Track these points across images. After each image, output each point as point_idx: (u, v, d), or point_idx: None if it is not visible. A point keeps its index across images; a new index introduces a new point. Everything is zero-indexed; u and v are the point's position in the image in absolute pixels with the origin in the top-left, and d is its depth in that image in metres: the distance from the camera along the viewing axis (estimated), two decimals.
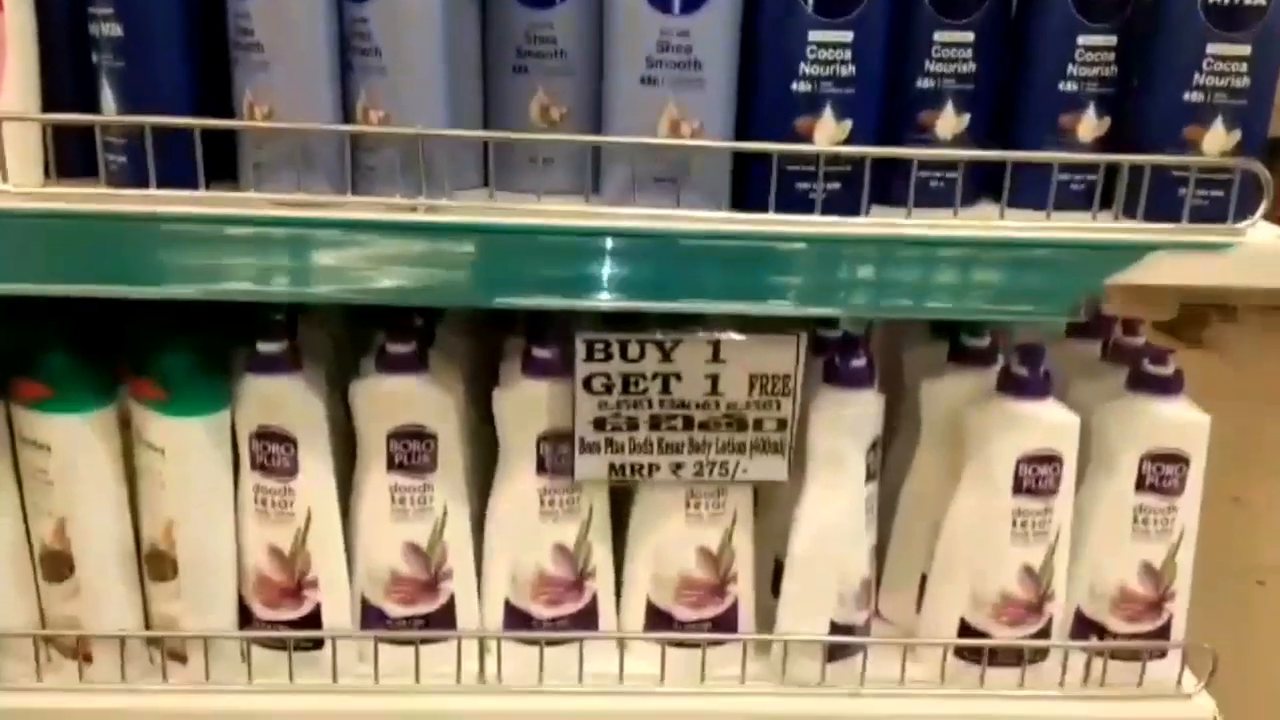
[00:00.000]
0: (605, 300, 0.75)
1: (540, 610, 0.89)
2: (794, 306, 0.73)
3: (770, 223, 0.73)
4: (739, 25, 0.74)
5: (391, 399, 0.84)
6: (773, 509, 0.92)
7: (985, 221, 0.75)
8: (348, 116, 0.75)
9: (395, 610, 0.88)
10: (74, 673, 0.86)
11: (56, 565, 0.83)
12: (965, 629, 0.90)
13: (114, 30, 0.72)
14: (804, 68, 0.73)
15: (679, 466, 0.85)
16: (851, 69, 0.73)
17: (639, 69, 0.74)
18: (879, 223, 0.74)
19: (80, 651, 0.85)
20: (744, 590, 0.90)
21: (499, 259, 0.75)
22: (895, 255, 0.74)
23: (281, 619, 0.86)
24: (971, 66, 0.80)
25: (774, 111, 0.74)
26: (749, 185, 0.76)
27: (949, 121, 0.81)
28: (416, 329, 0.87)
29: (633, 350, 0.82)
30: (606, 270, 0.75)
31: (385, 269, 0.74)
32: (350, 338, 0.97)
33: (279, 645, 0.86)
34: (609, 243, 0.74)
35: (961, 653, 0.90)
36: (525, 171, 0.81)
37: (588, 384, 0.82)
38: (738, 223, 0.73)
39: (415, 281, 0.74)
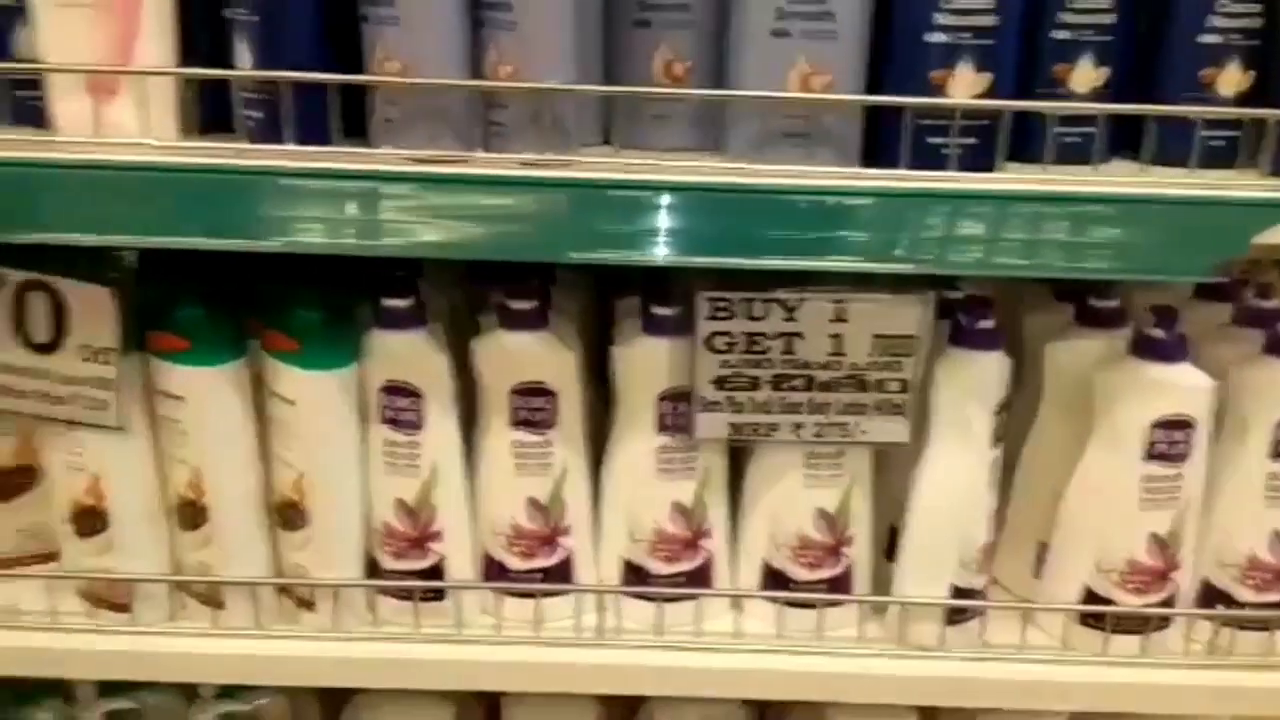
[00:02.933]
0: (729, 258, 0.75)
1: (657, 566, 0.89)
2: (931, 266, 0.71)
3: (906, 179, 0.71)
4: None
5: (514, 356, 0.85)
6: (886, 471, 0.91)
7: (1131, 178, 0.73)
8: (475, 73, 0.76)
9: (515, 563, 0.89)
10: (207, 618, 0.89)
11: (191, 514, 0.86)
12: (1089, 595, 0.89)
13: None
14: (940, 18, 0.71)
15: (799, 427, 0.84)
16: (991, 19, 0.71)
17: (769, 21, 0.73)
18: (1021, 178, 0.72)
19: (213, 598, 0.88)
20: (860, 552, 0.90)
21: (622, 215, 0.74)
22: (1032, 213, 0.72)
23: (406, 569, 0.88)
24: (1110, 18, 0.77)
25: (908, 64, 0.73)
26: (881, 141, 0.75)
27: (1085, 74, 0.78)
28: (537, 286, 0.88)
29: (756, 309, 0.81)
30: (730, 227, 0.74)
31: (508, 224, 0.74)
32: (464, 295, 0.98)
33: (404, 595, 0.89)
34: (735, 199, 0.74)
35: (1084, 619, 0.89)
36: (647, 127, 0.81)
37: (709, 342, 0.82)
38: (873, 179, 0.72)
39: (539, 237, 0.74)
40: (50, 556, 0.94)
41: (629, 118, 0.81)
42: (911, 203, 0.72)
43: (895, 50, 0.73)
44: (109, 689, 1.04)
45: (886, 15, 0.73)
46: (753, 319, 0.82)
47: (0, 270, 0.79)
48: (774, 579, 0.90)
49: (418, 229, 0.74)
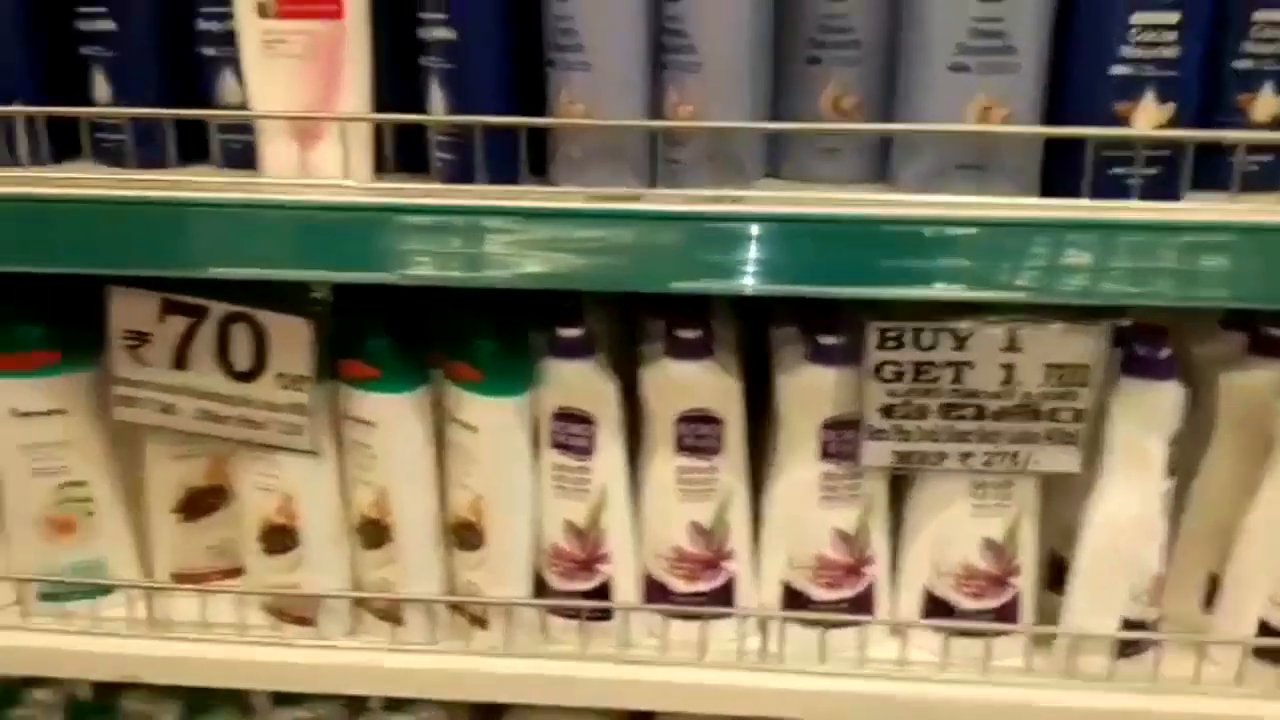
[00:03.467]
0: (902, 289, 0.75)
1: (819, 593, 0.90)
2: (1110, 296, 0.71)
3: (1091, 210, 0.71)
4: (1053, 8, 0.73)
5: (681, 384, 0.87)
6: (1047, 500, 0.90)
7: None
8: (654, 112, 0.78)
9: (679, 586, 0.91)
10: (385, 633, 0.93)
11: (374, 533, 0.90)
12: (1264, 629, 0.87)
13: (446, 34, 0.77)
14: (1125, 50, 0.71)
15: (967, 455, 0.85)
16: (1175, 50, 0.71)
17: (949, 56, 0.74)
18: (1210, 208, 0.71)
19: (392, 614, 0.92)
20: (1026, 582, 0.89)
21: (794, 248, 0.76)
22: (1215, 241, 0.72)
23: (574, 589, 0.91)
24: None
25: (1090, 95, 0.73)
26: (1060, 172, 0.75)
27: (1267, 103, 0.77)
28: (703, 316, 0.90)
29: (926, 338, 0.82)
30: (902, 258, 0.75)
31: (682, 259, 0.77)
32: (619, 325, 1.01)
33: (572, 614, 0.91)
34: (909, 231, 0.75)
35: (1259, 653, 0.87)
36: (814, 160, 0.83)
37: (878, 371, 0.83)
38: (1058, 210, 0.72)
39: (712, 272, 0.76)
40: (235, 572, 0.99)
41: (796, 151, 0.83)
42: (1087, 233, 0.72)
43: (1077, 82, 0.73)
44: (282, 700, 1.09)
45: (1065, 47, 0.74)
46: (922, 348, 0.82)
47: (206, 302, 0.85)
48: (936, 607, 0.90)
49: (591, 261, 0.77)
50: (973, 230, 0.73)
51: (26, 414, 0.89)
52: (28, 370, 0.88)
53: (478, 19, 0.76)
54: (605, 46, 0.75)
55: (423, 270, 0.77)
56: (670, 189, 0.77)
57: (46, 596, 0.95)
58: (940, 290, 0.74)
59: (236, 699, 1.08)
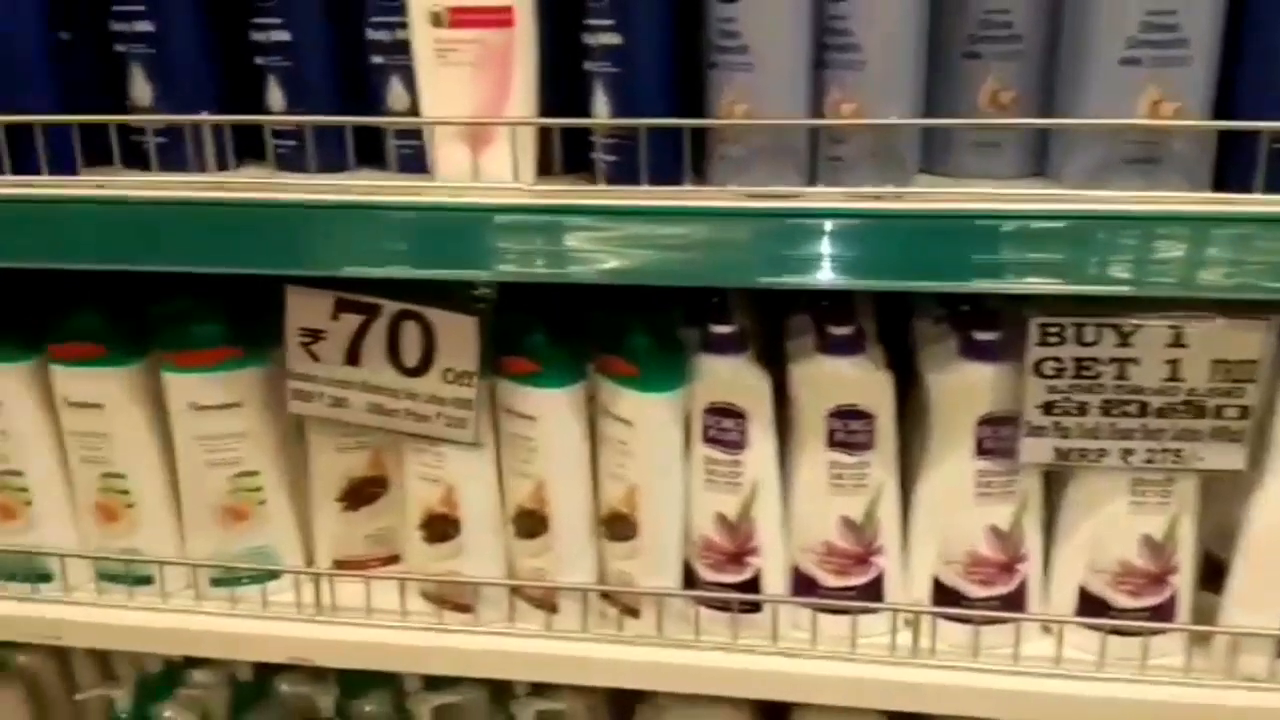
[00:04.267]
0: (1063, 284, 0.75)
1: (972, 589, 0.91)
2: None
3: (1267, 204, 0.71)
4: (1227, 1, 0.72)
5: (833, 379, 0.88)
6: (1205, 498, 0.89)
7: None
8: (815, 110, 0.79)
9: (828, 580, 0.92)
10: (540, 621, 0.96)
11: (531, 523, 0.93)
12: None
13: (613, 39, 0.79)
14: None
15: (1129, 453, 0.84)
16: None
17: (1119, 50, 0.73)
18: None
19: (547, 602, 0.95)
20: (1184, 580, 0.88)
21: (954, 243, 0.76)
22: None
23: (724, 581, 0.93)
24: None
25: (1266, 88, 0.72)
26: (1232, 166, 0.74)
27: None
28: (853, 311, 0.91)
29: (1088, 334, 0.81)
30: (1063, 253, 0.75)
31: (843, 255, 0.78)
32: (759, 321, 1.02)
33: (721, 606, 0.93)
34: (1069, 225, 0.74)
35: None
36: (972, 155, 0.83)
37: (1038, 368, 0.83)
38: (1232, 204, 0.71)
39: (884, 264, 0.77)
40: (392, 559, 1.03)
41: (953, 146, 0.83)
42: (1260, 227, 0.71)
43: (1252, 73, 0.72)
44: (432, 684, 1.13)
45: (1242, 40, 0.73)
46: (1084, 344, 0.82)
47: (378, 301, 0.89)
48: (1091, 605, 0.90)
49: (750, 257, 0.78)
50: (1143, 225, 0.72)
51: (205, 407, 0.94)
52: (208, 366, 0.93)
53: (645, 23, 0.79)
54: (769, 46, 0.77)
55: (591, 267, 0.80)
56: (831, 186, 0.78)
57: (218, 581, 1.00)
58: (1105, 288, 0.74)
59: (390, 681, 1.12)
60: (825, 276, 0.77)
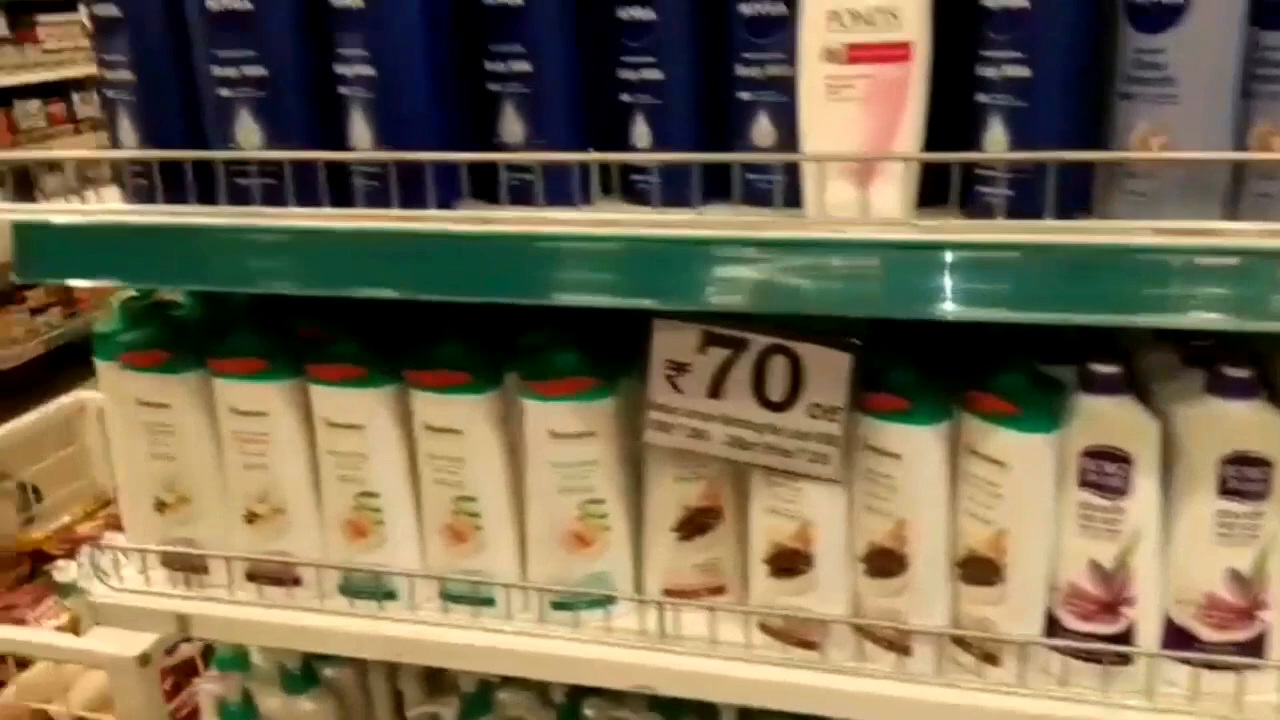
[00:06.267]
0: None
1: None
2: None
3: None
4: None
5: (1228, 424, 0.83)
6: None
7: None
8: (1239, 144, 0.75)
9: (1208, 634, 0.87)
10: (890, 662, 0.94)
11: (887, 562, 0.91)
12: None
13: (1019, 72, 0.77)
14: None
15: None
16: None
17: None
18: None
19: (899, 644, 0.93)
20: None
21: None
22: None
23: (1094, 632, 0.89)
24: None
25: None
26: None
27: None
28: (1250, 354, 0.86)
29: None
30: None
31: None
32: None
33: (1089, 657, 0.89)
34: None
35: None
36: None
37: None
38: None
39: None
40: (719, 589, 1.03)
41: None
42: None
43: None
44: (746, 715, 1.12)
45: None
46: None
47: (747, 335, 0.89)
48: None
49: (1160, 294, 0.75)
50: None
51: (562, 435, 0.96)
52: (568, 395, 0.95)
53: (1053, 55, 0.76)
54: (1196, 79, 0.73)
55: (970, 307, 0.78)
56: (1258, 223, 0.74)
57: (560, 605, 1.02)
58: None
59: (707, 711, 1.12)
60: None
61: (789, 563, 0.94)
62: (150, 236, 0.94)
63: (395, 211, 0.89)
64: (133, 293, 1.15)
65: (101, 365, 1.09)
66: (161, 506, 1.08)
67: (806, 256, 0.81)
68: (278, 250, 0.92)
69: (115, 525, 1.70)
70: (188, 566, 1.09)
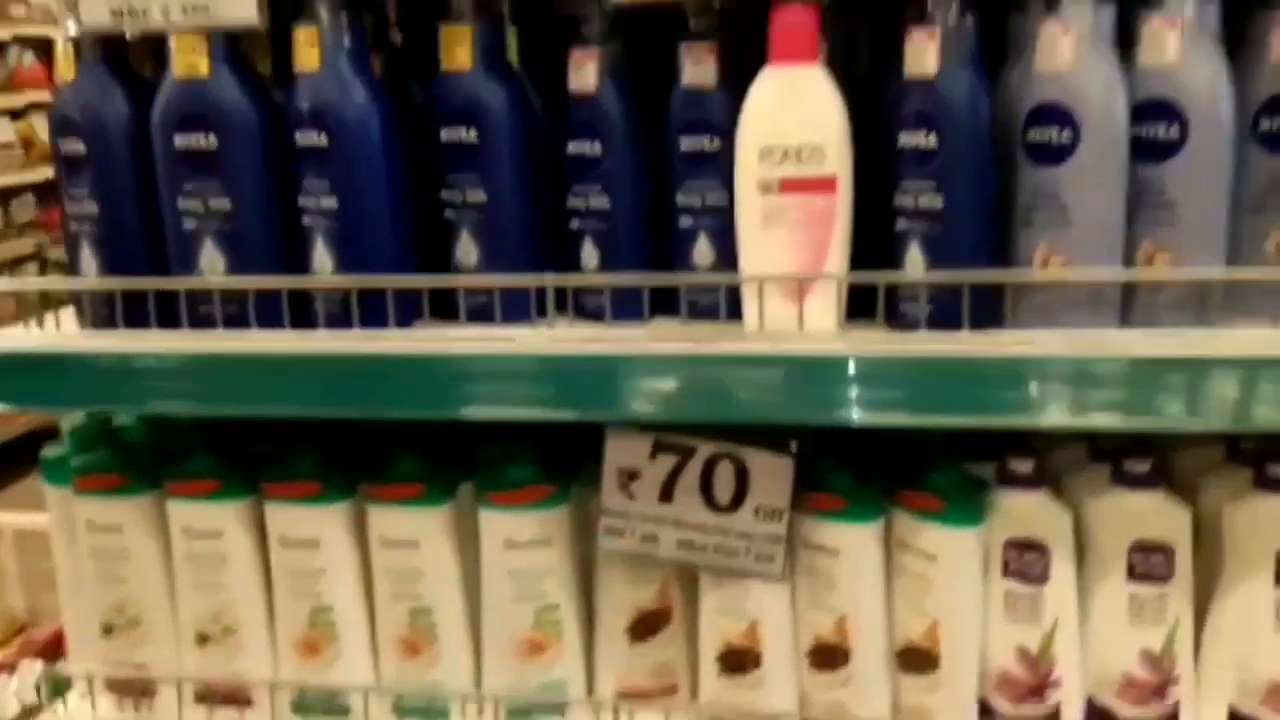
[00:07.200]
0: None
1: (1270, 718, 0.92)
2: None
3: None
4: None
5: (1134, 514, 0.92)
6: None
7: None
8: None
9: (1125, 711, 0.94)
10: None
11: (830, 656, 0.96)
12: None
13: (932, 203, 0.86)
14: None
15: None
16: None
17: None
18: None
19: None
20: None
21: None
22: None
23: (1023, 715, 0.95)
24: None
25: None
26: None
27: None
28: (1152, 447, 0.94)
29: None
30: None
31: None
32: None
33: None
34: None
35: None
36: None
37: None
38: None
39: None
40: (670, 690, 1.06)
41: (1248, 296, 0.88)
42: None
43: None
44: None
45: None
46: None
47: (695, 442, 0.94)
48: None
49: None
50: None
51: (518, 544, 1.00)
52: (524, 504, 0.99)
53: (966, 189, 0.85)
54: (1087, 206, 0.83)
55: (889, 413, 0.85)
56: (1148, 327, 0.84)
57: (515, 713, 1.04)
58: None
59: None
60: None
61: (739, 661, 0.99)
62: (100, 362, 0.96)
63: (322, 334, 0.95)
64: (81, 417, 1.16)
65: (50, 490, 1.09)
66: (109, 630, 1.08)
67: (748, 369, 0.88)
68: (204, 373, 0.94)
69: (32, 652, 1.66)
70: (135, 691, 1.09)
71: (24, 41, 4.18)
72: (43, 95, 4.17)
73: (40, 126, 4.20)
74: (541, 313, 0.95)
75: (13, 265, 4.12)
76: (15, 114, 4.20)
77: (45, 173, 4.10)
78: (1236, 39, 0.87)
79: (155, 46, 1.00)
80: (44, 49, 4.27)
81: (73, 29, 0.95)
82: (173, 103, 0.94)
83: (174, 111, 0.93)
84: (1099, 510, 0.93)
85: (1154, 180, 0.83)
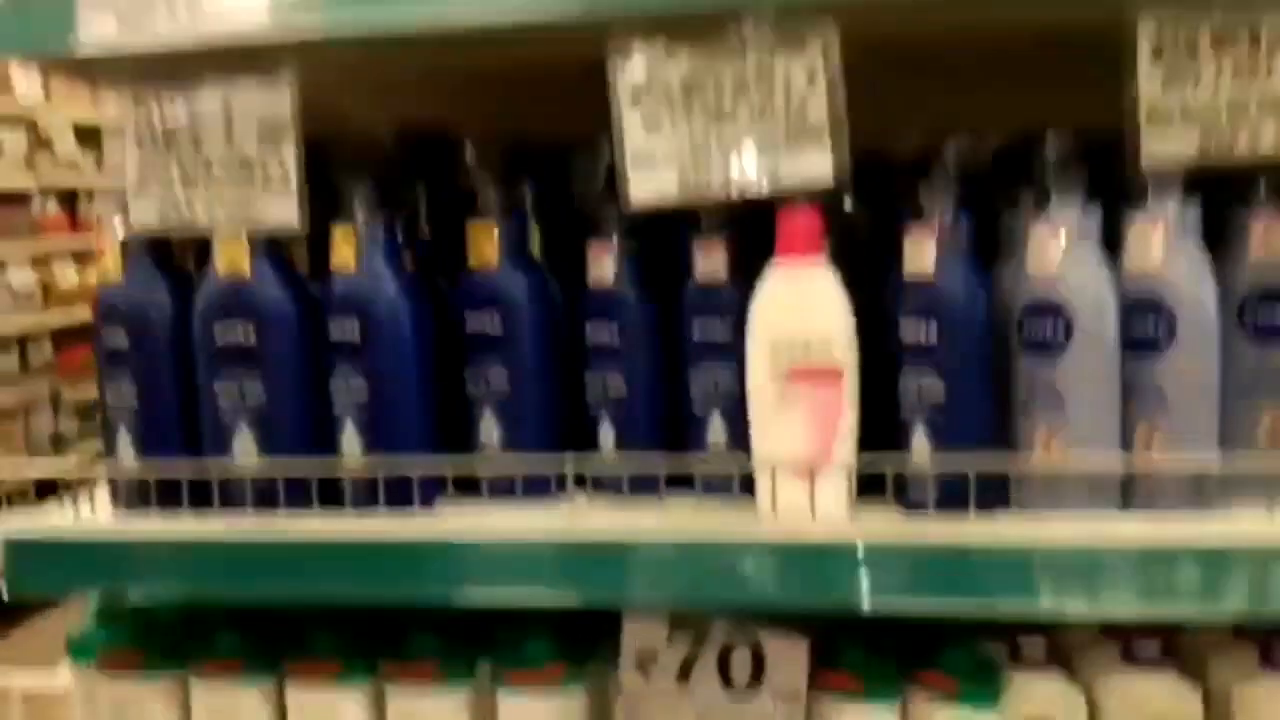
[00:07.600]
0: None
1: None
2: None
3: None
4: None
5: (1144, 693, 0.93)
6: None
7: None
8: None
9: None
10: None
11: None
12: None
13: (934, 385, 0.90)
14: None
15: None
16: None
17: None
18: None
19: None
20: None
21: None
22: None
23: None
24: None
25: None
26: None
27: None
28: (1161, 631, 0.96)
29: None
30: None
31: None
32: None
33: None
34: None
35: None
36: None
37: None
38: None
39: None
40: None
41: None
42: None
43: None
44: None
45: None
46: None
47: (711, 625, 0.96)
48: None
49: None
50: None
51: None
52: (539, 684, 1.00)
53: (967, 376, 0.90)
54: (1083, 396, 0.88)
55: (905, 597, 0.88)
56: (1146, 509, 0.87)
57: None
58: None
59: None
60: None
61: None
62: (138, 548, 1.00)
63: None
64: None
65: (76, 668, 1.11)
66: None
67: (762, 556, 0.91)
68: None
69: None
70: None
71: (48, 191, 4.32)
72: (64, 242, 4.31)
73: (60, 272, 4.32)
74: (561, 487, 0.99)
75: (27, 409, 4.17)
76: (36, 260, 4.31)
77: (62, 317, 4.20)
78: (1218, 234, 0.93)
79: (199, 242, 1.06)
80: (68, 199, 4.42)
81: (121, 231, 1.01)
82: (214, 298, 0.99)
83: (215, 306, 0.99)
84: (1110, 691, 0.94)
85: (1146, 372, 0.88)
